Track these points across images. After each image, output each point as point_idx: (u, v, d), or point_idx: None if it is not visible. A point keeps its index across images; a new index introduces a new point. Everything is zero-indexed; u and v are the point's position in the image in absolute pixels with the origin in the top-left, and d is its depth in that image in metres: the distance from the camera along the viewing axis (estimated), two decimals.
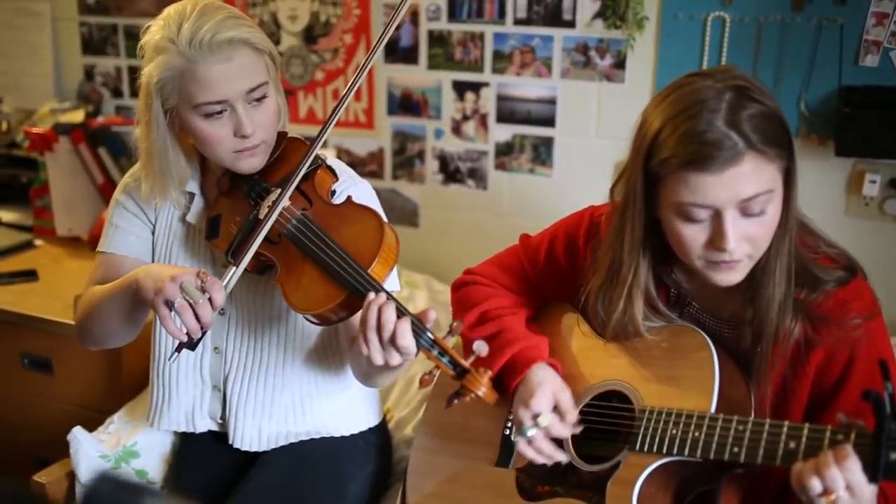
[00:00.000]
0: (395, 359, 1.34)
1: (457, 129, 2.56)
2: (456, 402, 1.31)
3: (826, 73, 2.13)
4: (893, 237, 2.17)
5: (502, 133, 2.51)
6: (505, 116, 2.50)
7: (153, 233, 1.69)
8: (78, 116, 2.84)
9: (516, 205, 2.54)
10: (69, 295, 2.21)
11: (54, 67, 3.08)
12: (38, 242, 2.61)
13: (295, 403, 1.69)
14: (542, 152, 2.48)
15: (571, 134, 2.44)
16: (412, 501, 1.62)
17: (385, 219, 1.51)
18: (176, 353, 1.44)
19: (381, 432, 1.85)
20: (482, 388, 1.30)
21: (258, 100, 1.50)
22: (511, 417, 1.55)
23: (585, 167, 2.44)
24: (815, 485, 1.10)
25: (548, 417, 1.38)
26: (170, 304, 1.37)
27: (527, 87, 2.45)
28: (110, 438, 1.86)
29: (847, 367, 1.29)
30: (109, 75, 3.01)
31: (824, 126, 2.16)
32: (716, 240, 1.23)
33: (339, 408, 1.74)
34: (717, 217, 1.23)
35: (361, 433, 1.77)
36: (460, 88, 2.52)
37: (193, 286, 1.37)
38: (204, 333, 1.40)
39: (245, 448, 1.68)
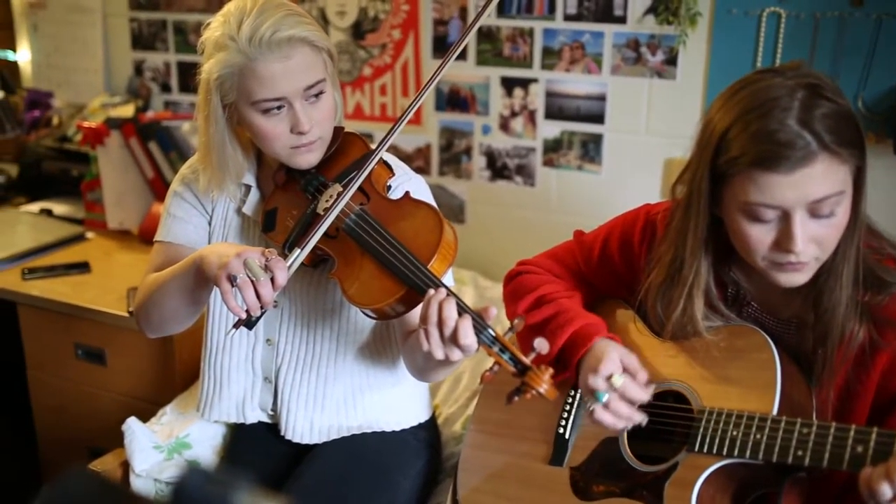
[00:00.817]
0: (456, 355, 1.34)
1: (504, 126, 2.55)
2: (516, 398, 1.30)
3: (885, 70, 2.09)
4: None
5: (551, 129, 2.50)
6: (553, 113, 2.48)
7: (210, 223, 1.70)
8: (128, 111, 2.88)
9: (564, 202, 2.53)
10: (122, 287, 2.24)
11: (104, 63, 3.12)
12: (89, 235, 2.65)
13: (346, 397, 1.69)
14: (590, 149, 2.46)
15: (621, 131, 2.42)
16: (463, 498, 1.61)
17: (432, 200, 1.52)
18: (233, 330, 1.42)
19: (430, 428, 1.85)
20: (544, 384, 1.28)
21: (315, 96, 1.51)
22: (565, 414, 1.54)
23: (634, 164, 2.42)
24: (886, 490, 1.08)
25: (621, 378, 1.36)
26: (232, 280, 1.36)
27: (576, 83, 2.44)
28: (163, 429, 1.89)
29: None
30: (158, 70, 3.04)
31: (883, 124, 2.12)
32: (783, 241, 1.21)
33: (390, 403, 1.75)
34: (785, 218, 1.20)
35: (412, 429, 1.78)
36: (508, 84, 2.51)
37: (257, 264, 1.36)
38: (263, 312, 1.39)
39: (297, 440, 1.69)
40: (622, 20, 2.34)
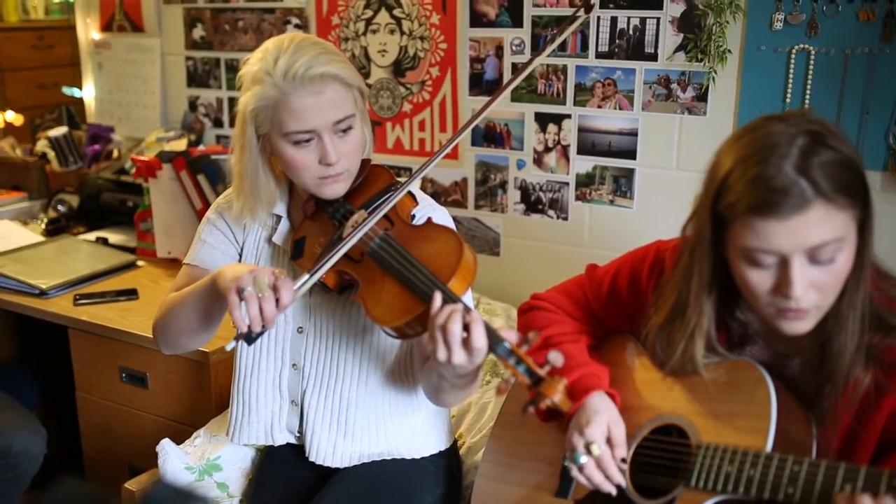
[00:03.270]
0: (460, 357, 1.37)
1: (538, 161, 2.60)
2: (531, 409, 1.33)
3: None
4: None
5: (583, 164, 2.53)
6: (586, 148, 2.52)
7: (241, 252, 1.79)
8: (181, 145, 3.02)
9: (597, 236, 2.55)
10: None
11: (161, 99, 3.28)
12: (140, 263, 2.77)
13: (370, 423, 1.75)
14: (622, 184, 2.49)
15: (652, 166, 2.44)
16: None
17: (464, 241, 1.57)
18: (234, 342, 1.45)
19: (451, 456, 1.89)
20: (558, 394, 1.31)
21: (344, 131, 1.59)
22: None
23: (666, 199, 2.43)
24: None
25: (600, 448, 1.39)
26: (240, 293, 1.42)
27: (608, 119, 2.47)
28: (196, 451, 1.96)
29: None
30: (211, 106, 3.18)
31: None
32: (782, 286, 1.22)
33: (411, 430, 1.79)
34: (783, 263, 1.21)
35: (431, 456, 1.82)
36: (542, 120, 2.56)
37: (266, 282, 1.42)
38: (263, 330, 1.43)
39: (320, 462, 1.75)
40: (653, 57, 2.37)
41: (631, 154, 2.46)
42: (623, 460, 1.42)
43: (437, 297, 1.40)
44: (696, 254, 1.32)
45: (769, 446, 1.27)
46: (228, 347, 1.47)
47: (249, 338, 1.44)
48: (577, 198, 2.56)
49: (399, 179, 1.69)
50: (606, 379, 1.50)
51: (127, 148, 3.26)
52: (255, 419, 1.79)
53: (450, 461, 1.87)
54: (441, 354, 1.38)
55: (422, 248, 1.53)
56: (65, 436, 2.75)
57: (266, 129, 1.60)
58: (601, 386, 1.47)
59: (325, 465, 1.76)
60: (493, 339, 1.37)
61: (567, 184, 2.57)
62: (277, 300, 1.42)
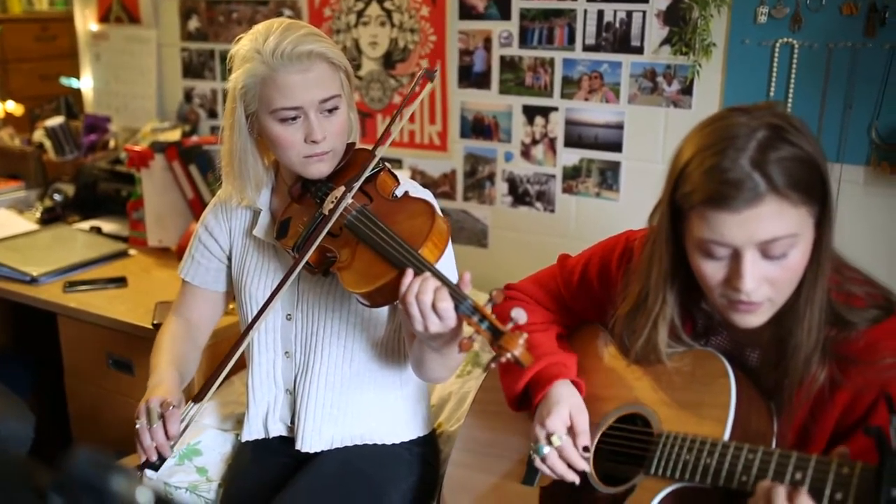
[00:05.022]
0: (434, 324, 1.39)
1: (526, 153, 2.61)
2: (493, 365, 1.34)
3: None
4: None
5: (570, 157, 2.54)
6: (573, 141, 2.53)
7: (229, 256, 1.84)
8: (175, 135, 3.05)
9: (583, 228, 2.56)
10: (153, 301, 2.37)
11: (157, 90, 3.30)
12: (131, 252, 2.80)
13: (354, 403, 1.77)
14: (608, 177, 2.50)
15: (638, 159, 2.45)
16: None
17: (439, 210, 1.60)
18: (138, 472, 1.58)
19: (428, 445, 1.90)
20: (518, 348, 1.31)
21: (330, 111, 1.61)
22: None
23: (651, 192, 2.39)
24: None
25: (560, 438, 1.40)
26: (136, 423, 1.57)
27: (595, 112, 2.48)
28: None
29: (871, 407, 1.25)
30: (206, 97, 3.20)
31: None
32: (733, 279, 1.22)
33: (391, 413, 1.81)
34: (735, 256, 1.21)
35: (408, 443, 1.83)
36: (530, 113, 2.57)
37: (156, 412, 1.56)
38: (161, 458, 1.56)
39: (306, 450, 1.77)
40: (639, 51, 2.38)
41: (617, 147, 2.47)
42: (585, 448, 1.43)
43: (409, 274, 1.43)
44: (658, 243, 1.33)
45: (727, 435, 1.28)
46: (143, 478, 1.61)
47: (151, 465, 1.55)
48: (564, 190, 2.57)
49: (383, 161, 1.71)
50: (573, 367, 1.51)
51: (123, 138, 3.29)
52: (254, 413, 1.82)
53: (426, 449, 1.88)
54: (417, 326, 1.40)
55: (396, 217, 1.56)
56: (57, 422, 2.78)
57: (254, 108, 1.62)
58: (566, 375, 1.48)
59: (312, 451, 1.78)
60: (457, 297, 1.38)
61: (554, 176, 2.58)
62: (165, 430, 1.54)
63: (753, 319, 1.26)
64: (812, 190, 1.20)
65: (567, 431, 1.43)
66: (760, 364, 1.36)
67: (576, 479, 1.42)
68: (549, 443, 1.41)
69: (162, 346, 1.83)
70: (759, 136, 1.18)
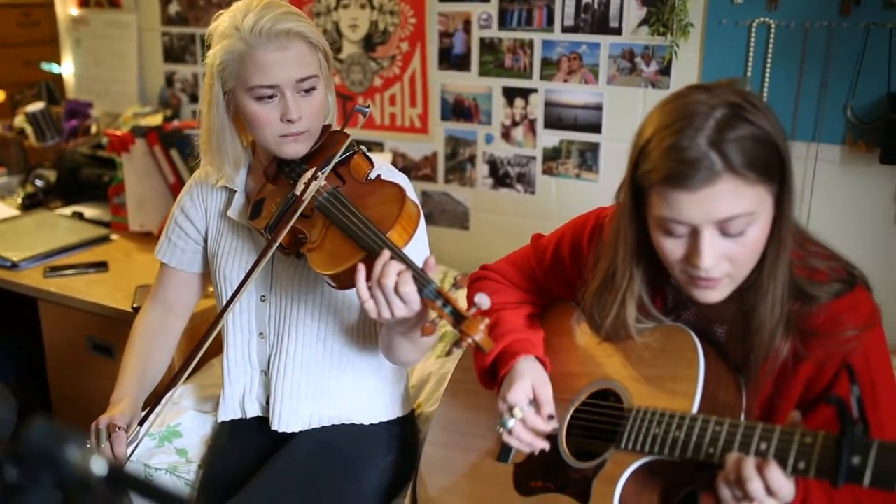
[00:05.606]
0: (399, 308, 1.40)
1: (506, 135, 2.61)
2: (456, 349, 1.36)
3: (873, 79, 2.08)
4: None
5: (550, 139, 2.55)
6: (552, 122, 2.53)
7: (205, 238, 1.84)
8: (157, 120, 3.04)
9: (563, 209, 2.57)
10: (133, 285, 2.37)
11: (138, 74, 3.29)
12: (113, 237, 2.80)
13: (329, 383, 1.78)
14: (588, 158, 2.50)
15: (617, 140, 2.45)
16: (422, 494, 1.68)
17: (413, 195, 1.61)
18: None
19: (406, 424, 1.91)
20: (479, 333, 1.32)
21: (307, 91, 1.61)
22: None
23: None
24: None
25: (522, 410, 1.42)
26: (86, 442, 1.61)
27: (574, 93, 2.48)
28: (156, 418, 1.99)
29: (834, 379, 1.27)
30: (187, 82, 3.19)
31: (872, 133, 2.11)
32: (692, 256, 1.23)
33: (368, 393, 1.83)
34: (694, 234, 1.22)
35: (386, 423, 1.85)
36: (510, 95, 2.57)
37: (104, 434, 1.62)
38: None
39: (282, 430, 1.78)
40: (617, 31, 2.38)
41: (596, 128, 2.47)
42: (551, 416, 1.44)
43: (380, 260, 1.43)
44: (622, 221, 1.33)
45: (695, 409, 1.29)
46: None
47: None
48: (544, 172, 2.58)
49: (358, 144, 1.71)
50: (539, 345, 1.52)
51: (105, 123, 3.28)
52: (230, 394, 1.83)
53: (404, 429, 1.89)
54: (384, 312, 1.41)
55: (367, 201, 1.57)
56: (39, 407, 2.79)
57: (231, 85, 1.62)
58: (531, 351, 1.49)
59: (288, 431, 1.79)
60: (421, 282, 1.39)
61: (534, 158, 2.58)
62: (113, 450, 1.61)
63: (713, 295, 1.27)
64: (770, 169, 1.20)
65: (531, 403, 1.44)
66: (727, 339, 1.38)
67: (545, 446, 1.43)
68: (513, 415, 1.42)
69: (133, 345, 1.87)
70: (718, 115, 1.18)
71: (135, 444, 1.65)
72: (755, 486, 1.13)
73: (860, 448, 1.05)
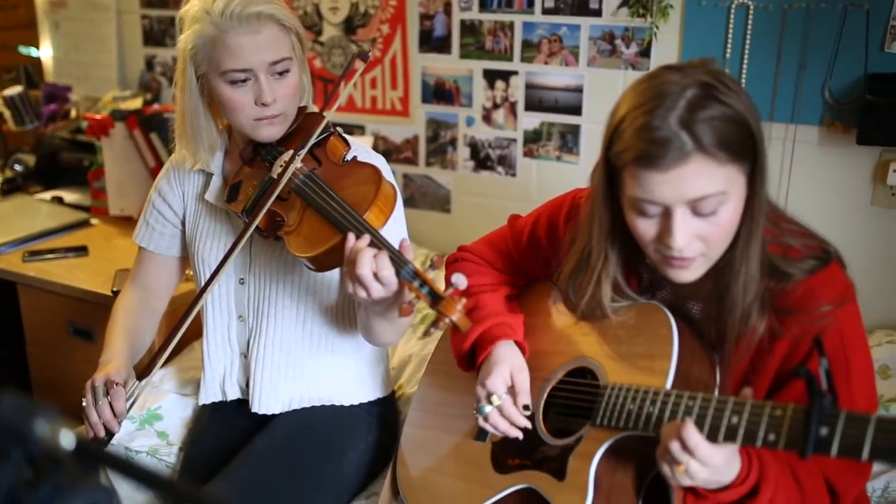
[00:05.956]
0: (376, 289, 1.40)
1: (487, 117, 2.61)
2: (433, 330, 1.37)
3: (850, 60, 2.09)
4: None
5: (530, 121, 2.55)
6: (533, 104, 2.53)
7: (183, 221, 1.83)
8: (137, 104, 3.02)
9: (544, 191, 2.57)
10: (113, 269, 2.36)
11: (118, 58, 3.27)
12: (93, 221, 2.79)
13: (309, 365, 1.79)
14: (569, 140, 2.51)
15: (597, 122, 2.44)
16: (402, 474, 1.69)
17: (390, 175, 1.61)
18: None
19: (387, 405, 1.92)
20: (456, 313, 1.33)
21: (281, 73, 1.61)
22: None
23: None
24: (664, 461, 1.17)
25: (500, 398, 1.43)
26: (83, 401, 1.59)
27: (554, 75, 2.48)
28: (137, 401, 1.99)
29: (808, 355, 1.27)
30: (168, 65, 3.17)
31: (849, 114, 2.12)
32: (664, 236, 1.23)
33: (349, 375, 1.83)
34: (666, 214, 1.22)
35: (367, 404, 1.85)
36: (491, 77, 2.57)
37: (101, 390, 1.59)
38: (110, 434, 1.59)
39: (262, 412, 1.79)
40: (597, 13, 2.38)
41: (577, 110, 2.48)
42: (526, 407, 1.46)
43: (351, 238, 1.43)
44: (597, 201, 1.34)
45: (669, 385, 1.30)
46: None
47: (101, 442, 1.58)
48: (525, 154, 2.58)
49: (335, 126, 1.71)
50: (519, 328, 1.53)
51: (84, 107, 3.26)
52: (211, 377, 1.83)
53: (385, 410, 1.90)
54: (360, 293, 1.41)
55: (343, 182, 1.57)
56: (20, 391, 2.78)
57: (204, 69, 1.62)
58: (510, 335, 1.50)
59: (269, 413, 1.79)
60: (398, 263, 1.40)
61: (515, 140, 2.59)
62: (112, 406, 1.58)
63: (687, 274, 1.28)
64: (741, 148, 1.20)
65: (508, 391, 1.45)
66: (702, 317, 1.39)
67: (519, 435, 1.45)
68: (490, 402, 1.43)
69: (116, 320, 1.84)
70: (689, 95, 1.18)
71: (132, 399, 1.62)
72: (674, 445, 1.15)
73: (828, 419, 1.07)
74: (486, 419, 1.45)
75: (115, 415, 1.57)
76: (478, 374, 1.50)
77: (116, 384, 1.60)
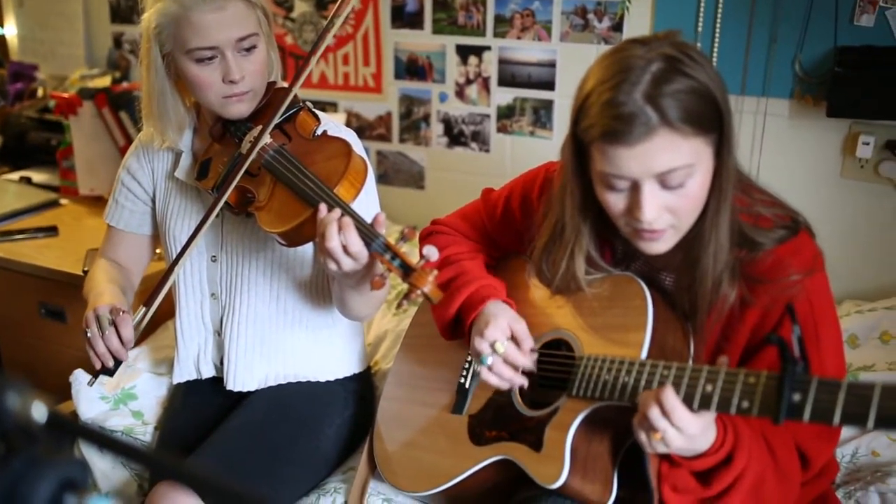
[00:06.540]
0: (348, 264, 1.40)
1: (460, 93, 2.60)
2: (405, 303, 1.36)
3: (820, 34, 2.10)
4: (888, 199, 2.14)
5: (504, 96, 2.54)
6: (506, 80, 2.53)
7: (153, 199, 1.81)
8: (105, 82, 2.98)
9: (518, 167, 2.54)
10: (83, 249, 2.34)
11: (85, 36, 3.21)
12: (63, 201, 2.75)
13: (283, 342, 1.78)
14: (542, 115, 2.51)
15: (570, 97, 2.42)
16: (378, 449, 1.69)
17: (360, 149, 1.61)
18: (93, 378, 1.61)
19: (362, 381, 1.92)
20: (428, 285, 1.33)
21: (248, 49, 1.59)
22: (466, 365, 1.61)
23: None
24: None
25: (503, 344, 1.42)
26: (85, 333, 1.55)
27: (527, 50, 2.48)
28: (111, 381, 1.97)
29: (779, 322, 1.29)
30: (136, 43, 3.12)
31: (819, 87, 2.14)
32: (634, 209, 1.24)
33: (324, 351, 1.83)
34: (635, 187, 1.23)
35: (343, 379, 1.85)
36: (463, 52, 2.56)
37: (107, 319, 1.54)
38: (117, 363, 1.56)
39: (238, 389, 1.78)
40: None
41: (550, 85, 2.47)
42: (532, 350, 1.46)
43: (322, 211, 1.43)
44: (567, 176, 1.34)
45: (644, 355, 1.31)
46: (89, 384, 1.64)
47: (108, 371, 1.56)
48: (499, 130, 2.58)
49: (304, 101, 1.69)
50: (503, 291, 1.53)
51: (52, 87, 3.21)
52: (185, 356, 1.82)
53: (360, 385, 1.90)
54: (331, 266, 1.41)
55: (313, 157, 1.56)
56: None
57: (169, 48, 1.59)
58: (498, 295, 1.50)
59: (244, 390, 1.78)
60: (368, 236, 1.39)
61: (488, 116, 2.58)
62: (119, 336, 1.53)
63: (658, 246, 1.29)
64: (707, 121, 1.21)
65: (509, 339, 1.45)
66: (675, 287, 1.40)
67: (524, 382, 1.44)
68: (494, 350, 1.42)
69: (97, 275, 1.79)
70: (654, 69, 1.18)
71: (142, 326, 1.59)
72: (652, 411, 1.16)
73: (800, 385, 1.08)
74: (489, 369, 1.43)
75: (122, 343, 1.54)
76: (468, 335, 1.50)
77: (123, 311, 1.56)
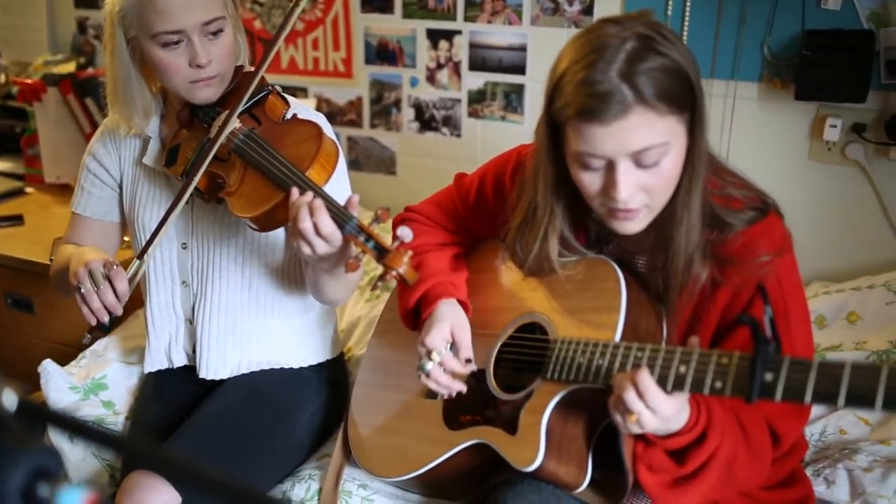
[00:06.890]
0: (321, 247, 1.39)
1: (431, 78, 2.59)
2: (380, 284, 1.36)
3: (789, 18, 2.12)
4: (855, 181, 2.17)
5: (474, 81, 2.54)
6: (477, 64, 2.52)
7: (120, 185, 1.78)
8: (70, 68, 2.93)
9: (489, 152, 2.52)
10: (50, 238, 2.30)
11: (49, 21, 3.15)
12: (28, 190, 2.71)
13: (256, 329, 1.77)
14: (513, 100, 2.50)
15: (541, 81, 2.42)
16: (353, 434, 1.69)
17: (330, 132, 1.59)
18: (88, 335, 1.59)
19: (336, 367, 1.91)
20: (403, 266, 1.33)
21: (214, 33, 1.57)
22: None
23: None
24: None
25: (440, 354, 1.44)
26: (78, 290, 1.51)
27: (498, 34, 2.47)
28: (80, 371, 1.95)
29: (750, 303, 1.30)
30: (101, 27, 3.07)
31: (787, 70, 2.15)
32: (609, 188, 1.24)
33: (297, 337, 1.82)
34: (610, 166, 1.23)
35: (316, 366, 1.85)
36: (434, 37, 2.55)
37: (100, 273, 1.50)
38: (112, 319, 1.53)
39: (210, 377, 1.76)
40: None
41: (520, 69, 2.47)
42: (468, 360, 1.47)
43: (294, 194, 1.41)
44: (541, 157, 1.34)
45: (618, 337, 1.32)
46: (85, 342, 1.61)
47: (103, 327, 1.53)
48: (470, 114, 2.57)
49: (272, 84, 1.68)
50: (462, 287, 1.53)
51: (14, 73, 3.14)
52: (156, 345, 1.80)
53: (334, 371, 1.90)
54: (305, 250, 1.40)
55: (284, 141, 1.55)
56: None
57: (134, 32, 1.57)
58: (453, 294, 1.50)
59: (217, 378, 1.77)
60: (341, 218, 1.38)
61: (459, 101, 2.57)
62: (114, 289, 1.49)
63: (632, 226, 1.29)
64: (681, 99, 1.21)
65: (450, 347, 1.46)
66: (648, 269, 1.40)
67: (462, 389, 1.46)
68: (431, 359, 1.43)
69: (67, 248, 1.75)
70: (628, 48, 1.18)
71: (136, 280, 1.56)
72: (628, 393, 1.17)
73: (772, 365, 1.09)
74: (427, 376, 1.45)
75: (117, 297, 1.51)
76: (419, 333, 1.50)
77: (116, 265, 1.52)
